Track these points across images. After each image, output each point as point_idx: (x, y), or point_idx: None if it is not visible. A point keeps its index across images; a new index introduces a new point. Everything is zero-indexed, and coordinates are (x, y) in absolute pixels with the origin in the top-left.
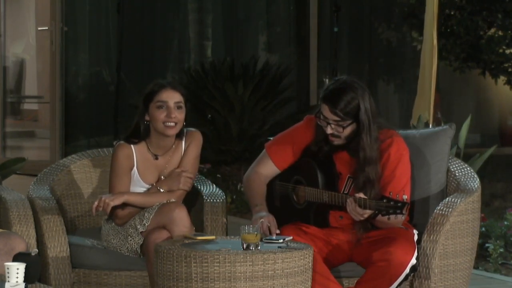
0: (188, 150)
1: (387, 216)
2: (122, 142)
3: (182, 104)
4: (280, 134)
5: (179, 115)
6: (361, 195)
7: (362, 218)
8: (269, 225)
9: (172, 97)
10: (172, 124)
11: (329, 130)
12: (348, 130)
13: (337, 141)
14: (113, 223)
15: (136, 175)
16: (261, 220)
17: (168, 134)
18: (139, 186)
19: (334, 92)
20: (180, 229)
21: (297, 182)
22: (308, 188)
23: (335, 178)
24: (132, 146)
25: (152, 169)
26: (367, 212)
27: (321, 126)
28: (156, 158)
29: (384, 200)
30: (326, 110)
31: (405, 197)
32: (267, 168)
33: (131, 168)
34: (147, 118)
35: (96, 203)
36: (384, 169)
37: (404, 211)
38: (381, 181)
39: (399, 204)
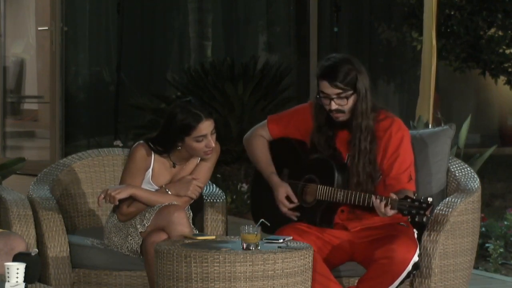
0: (204, 160)
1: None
2: (143, 142)
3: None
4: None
5: (214, 139)
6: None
7: (385, 217)
8: (289, 205)
9: (209, 127)
10: (211, 150)
11: (333, 106)
12: (351, 102)
13: (341, 117)
14: (116, 220)
15: (149, 176)
16: (282, 207)
17: (207, 158)
18: (148, 186)
19: (330, 67)
20: (178, 232)
21: (308, 180)
22: (321, 186)
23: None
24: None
25: (166, 174)
26: (390, 211)
27: (320, 111)
28: (174, 166)
29: (408, 200)
30: (326, 86)
31: (430, 199)
32: (264, 132)
33: (146, 169)
34: (179, 144)
35: (102, 195)
36: (387, 148)
37: (427, 213)
38: (385, 161)
39: (423, 205)
